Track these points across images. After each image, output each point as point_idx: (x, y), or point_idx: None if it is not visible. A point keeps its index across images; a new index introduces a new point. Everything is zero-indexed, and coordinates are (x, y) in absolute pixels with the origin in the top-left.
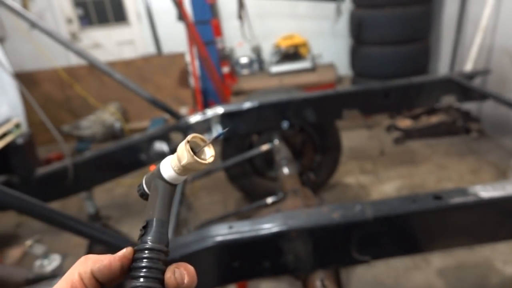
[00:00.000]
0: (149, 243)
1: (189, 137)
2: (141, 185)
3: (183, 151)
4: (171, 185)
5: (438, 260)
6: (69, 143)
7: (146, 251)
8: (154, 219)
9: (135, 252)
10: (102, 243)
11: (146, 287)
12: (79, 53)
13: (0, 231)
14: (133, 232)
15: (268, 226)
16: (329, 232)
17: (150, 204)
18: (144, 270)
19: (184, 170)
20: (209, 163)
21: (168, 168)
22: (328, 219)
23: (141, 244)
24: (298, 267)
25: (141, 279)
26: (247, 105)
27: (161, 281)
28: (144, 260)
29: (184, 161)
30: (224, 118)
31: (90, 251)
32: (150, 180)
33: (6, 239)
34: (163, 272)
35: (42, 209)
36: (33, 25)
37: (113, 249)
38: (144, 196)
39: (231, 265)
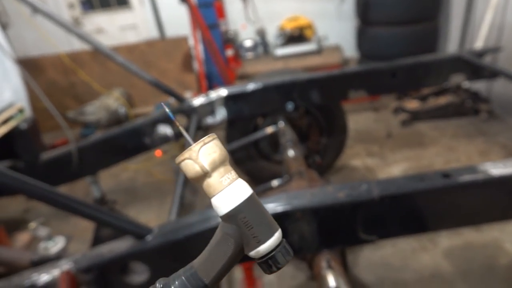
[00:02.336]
0: None
1: None
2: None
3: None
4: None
5: (445, 241)
6: (75, 129)
7: None
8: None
9: None
10: (109, 226)
11: None
12: (82, 37)
13: (9, 216)
14: (140, 216)
15: (272, 206)
16: (335, 211)
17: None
18: None
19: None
20: None
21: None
22: (333, 198)
23: None
24: (303, 248)
25: None
26: (251, 86)
27: None
28: None
29: None
30: (228, 100)
31: (97, 234)
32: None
33: (15, 224)
34: None
35: (49, 193)
36: (35, 9)
37: (120, 233)
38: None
39: None
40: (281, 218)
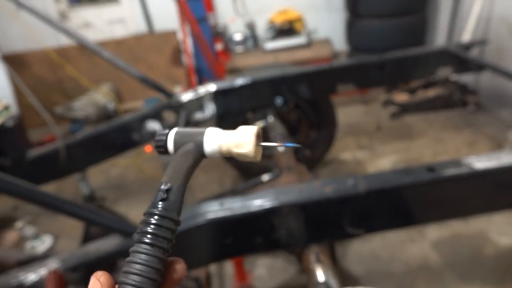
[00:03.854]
0: (161, 208)
1: (257, 129)
2: (163, 136)
3: (250, 143)
4: (202, 157)
5: (433, 232)
6: (63, 125)
7: (156, 217)
8: (175, 185)
9: (144, 215)
10: (96, 224)
11: (150, 256)
12: (67, 32)
13: None
14: (130, 212)
15: (259, 202)
16: (322, 206)
17: (173, 167)
18: (150, 236)
19: (231, 154)
20: (257, 160)
21: (214, 142)
22: (320, 193)
23: (153, 209)
24: (291, 243)
25: (146, 246)
26: (239, 81)
27: (165, 252)
28: (152, 226)
29: (244, 151)
30: (217, 96)
31: (86, 231)
32: (182, 141)
33: (3, 221)
34: (169, 242)
35: (33, 192)
36: (19, 5)
37: (108, 231)
38: (161, 149)
39: (223, 242)
40: (268, 214)
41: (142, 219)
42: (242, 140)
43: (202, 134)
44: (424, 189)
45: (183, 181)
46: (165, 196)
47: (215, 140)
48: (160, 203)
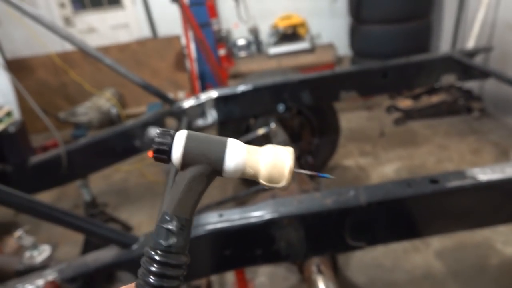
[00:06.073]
0: (167, 253)
1: (293, 161)
2: (167, 137)
3: (285, 178)
4: (217, 175)
5: (437, 241)
6: (66, 130)
7: (163, 265)
8: (183, 218)
9: (145, 256)
10: (93, 236)
11: None
12: (68, 38)
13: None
14: (132, 218)
15: (259, 214)
16: (322, 218)
17: (181, 189)
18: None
19: (254, 179)
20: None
21: (239, 160)
22: (320, 205)
23: (154, 255)
24: (291, 255)
25: None
26: (241, 88)
27: None
28: (157, 276)
29: (277, 186)
30: (219, 102)
31: (87, 240)
32: (194, 151)
33: (5, 227)
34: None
35: (28, 203)
36: (24, 12)
37: (107, 242)
38: (163, 155)
39: (222, 254)
40: (268, 226)
41: (142, 260)
42: (276, 173)
43: (223, 145)
44: (427, 201)
45: (193, 212)
46: (172, 235)
47: (240, 158)
48: (163, 242)
